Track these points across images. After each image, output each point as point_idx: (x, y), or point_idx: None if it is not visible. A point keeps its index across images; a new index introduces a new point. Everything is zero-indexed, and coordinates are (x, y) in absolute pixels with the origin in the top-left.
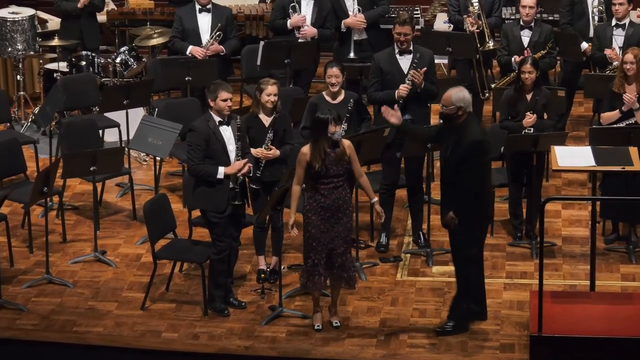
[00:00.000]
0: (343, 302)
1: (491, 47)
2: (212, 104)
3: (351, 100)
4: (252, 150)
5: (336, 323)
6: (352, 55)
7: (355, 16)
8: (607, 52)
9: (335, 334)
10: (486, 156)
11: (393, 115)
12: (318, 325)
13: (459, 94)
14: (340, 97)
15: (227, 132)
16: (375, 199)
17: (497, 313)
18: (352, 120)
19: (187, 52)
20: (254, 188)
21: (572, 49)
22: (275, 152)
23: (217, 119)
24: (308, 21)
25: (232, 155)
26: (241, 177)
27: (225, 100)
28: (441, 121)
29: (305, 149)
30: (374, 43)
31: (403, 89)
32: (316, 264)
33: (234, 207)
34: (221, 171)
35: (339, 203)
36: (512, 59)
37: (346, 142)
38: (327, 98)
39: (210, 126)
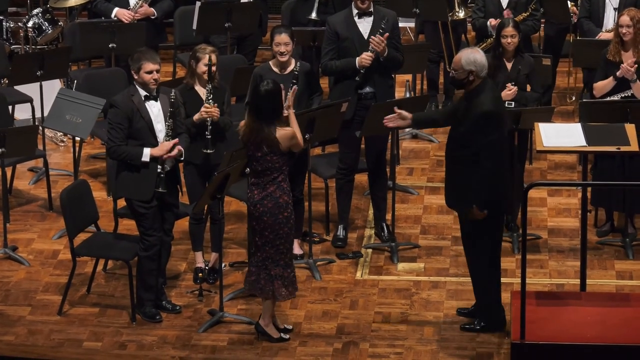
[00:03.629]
0: (294, 306)
1: (461, 17)
2: (135, 76)
3: (297, 64)
4: (195, 117)
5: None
6: (314, 15)
7: None
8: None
9: (285, 342)
10: (497, 131)
11: (398, 119)
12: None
13: (469, 56)
14: (290, 67)
15: (154, 109)
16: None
17: None
18: (302, 94)
19: (112, 15)
20: (187, 177)
21: (560, 9)
22: (216, 109)
23: (143, 93)
24: None
25: (161, 135)
26: (171, 162)
27: (149, 72)
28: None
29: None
30: (339, 6)
31: (366, 58)
32: (289, 265)
33: (162, 195)
34: (147, 153)
35: (275, 196)
36: (488, 22)
37: (288, 130)
38: (275, 69)
39: (134, 101)
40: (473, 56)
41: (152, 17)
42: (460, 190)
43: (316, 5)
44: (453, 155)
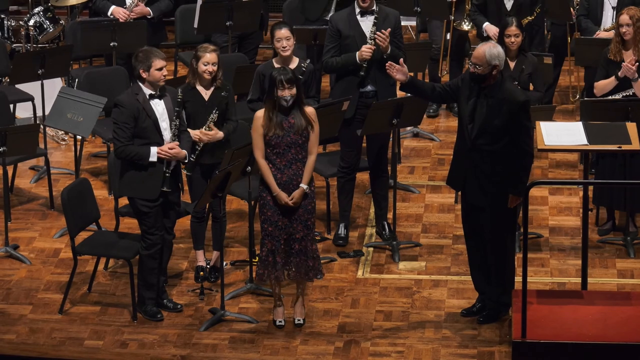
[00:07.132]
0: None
1: (465, 29)
2: (144, 75)
3: (308, 61)
4: (191, 132)
5: (298, 320)
6: (330, 16)
7: None
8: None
9: (286, 341)
10: (529, 118)
11: (399, 71)
12: (280, 321)
13: (492, 51)
14: (293, 65)
15: (159, 107)
16: (306, 186)
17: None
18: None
19: (109, 13)
20: (188, 175)
21: (561, 8)
22: (217, 133)
23: (147, 91)
24: None
25: (166, 133)
26: (175, 161)
27: (160, 69)
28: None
29: (260, 113)
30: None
31: (366, 51)
32: (272, 251)
33: (167, 193)
34: (154, 152)
35: (298, 180)
36: (484, 25)
37: (309, 109)
38: (277, 66)
39: (139, 100)
40: (496, 50)
41: (148, 17)
42: (491, 181)
43: (334, 5)
44: (487, 150)
